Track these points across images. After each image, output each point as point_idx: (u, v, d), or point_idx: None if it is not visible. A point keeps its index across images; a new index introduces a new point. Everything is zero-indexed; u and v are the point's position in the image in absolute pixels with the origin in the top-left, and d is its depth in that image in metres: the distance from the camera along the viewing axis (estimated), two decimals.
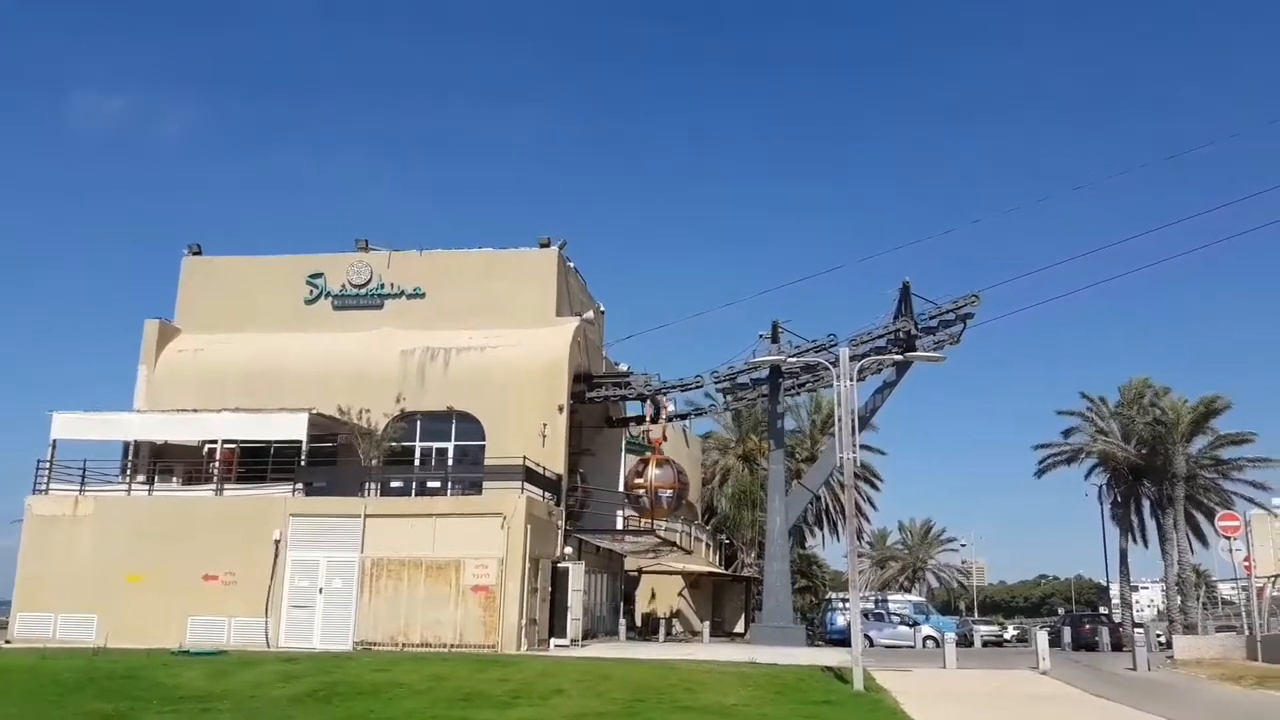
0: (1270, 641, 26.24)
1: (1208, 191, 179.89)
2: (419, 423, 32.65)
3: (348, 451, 30.63)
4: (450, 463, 32.15)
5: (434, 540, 27.06)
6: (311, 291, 35.45)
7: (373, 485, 29.49)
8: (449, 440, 32.71)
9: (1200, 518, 49.08)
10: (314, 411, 30.06)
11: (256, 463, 30.26)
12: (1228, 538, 30.17)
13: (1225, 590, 40.68)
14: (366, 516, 27.62)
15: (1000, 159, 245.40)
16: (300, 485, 29.32)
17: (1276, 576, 37.56)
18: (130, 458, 32.40)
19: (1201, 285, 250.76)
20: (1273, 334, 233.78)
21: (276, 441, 30.27)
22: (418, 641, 26.21)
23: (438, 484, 30.52)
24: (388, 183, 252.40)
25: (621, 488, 36.86)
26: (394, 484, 30.11)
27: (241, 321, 34.93)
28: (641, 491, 33.80)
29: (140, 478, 31.89)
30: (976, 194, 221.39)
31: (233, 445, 30.95)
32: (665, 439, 36.04)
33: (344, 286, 35.30)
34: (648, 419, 36.42)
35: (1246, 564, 29.75)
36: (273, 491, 29.03)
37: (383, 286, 35.17)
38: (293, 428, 29.85)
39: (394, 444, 30.95)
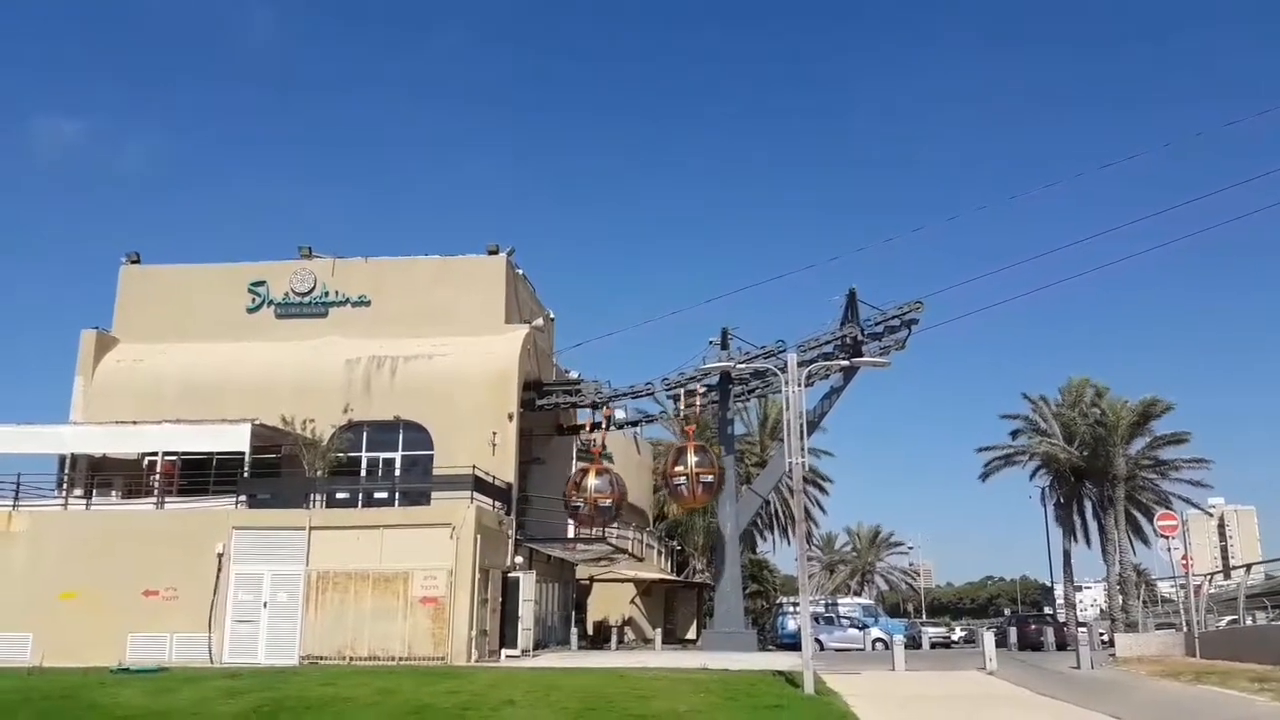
0: (1207, 638, 26.80)
1: (1136, 202, 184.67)
2: (365, 433, 32.27)
3: (292, 463, 30.14)
4: (398, 473, 31.81)
5: (381, 552, 26.65)
6: (254, 300, 34.92)
7: (318, 497, 29.03)
8: (396, 450, 32.36)
9: (1140, 517, 50.23)
10: (257, 422, 29.54)
11: (198, 475, 29.64)
12: (1166, 537, 30.77)
13: (1165, 588, 41.56)
14: (312, 529, 27.13)
15: (945, 166, 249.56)
16: (243, 498, 28.79)
17: (1213, 574, 38.51)
18: (67, 471, 31.61)
19: (1140, 287, 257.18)
20: (1207, 333, 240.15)
21: (219, 453, 29.69)
22: (365, 655, 25.78)
23: (385, 495, 30.17)
24: (332, 191, 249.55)
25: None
26: (340, 495, 29.70)
27: (182, 331, 34.26)
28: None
29: (77, 492, 31.08)
30: (920, 200, 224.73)
31: (174, 457, 30.33)
32: (604, 448, 35.75)
33: (287, 295, 34.80)
34: (589, 427, 36.24)
35: (1184, 562, 30.39)
36: (215, 504, 28.44)
37: (327, 294, 34.73)
38: (235, 439, 29.28)
39: (340, 455, 30.51)
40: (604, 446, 35.81)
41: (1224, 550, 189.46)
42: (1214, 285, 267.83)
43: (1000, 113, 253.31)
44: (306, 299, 34.73)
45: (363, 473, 31.90)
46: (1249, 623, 27.53)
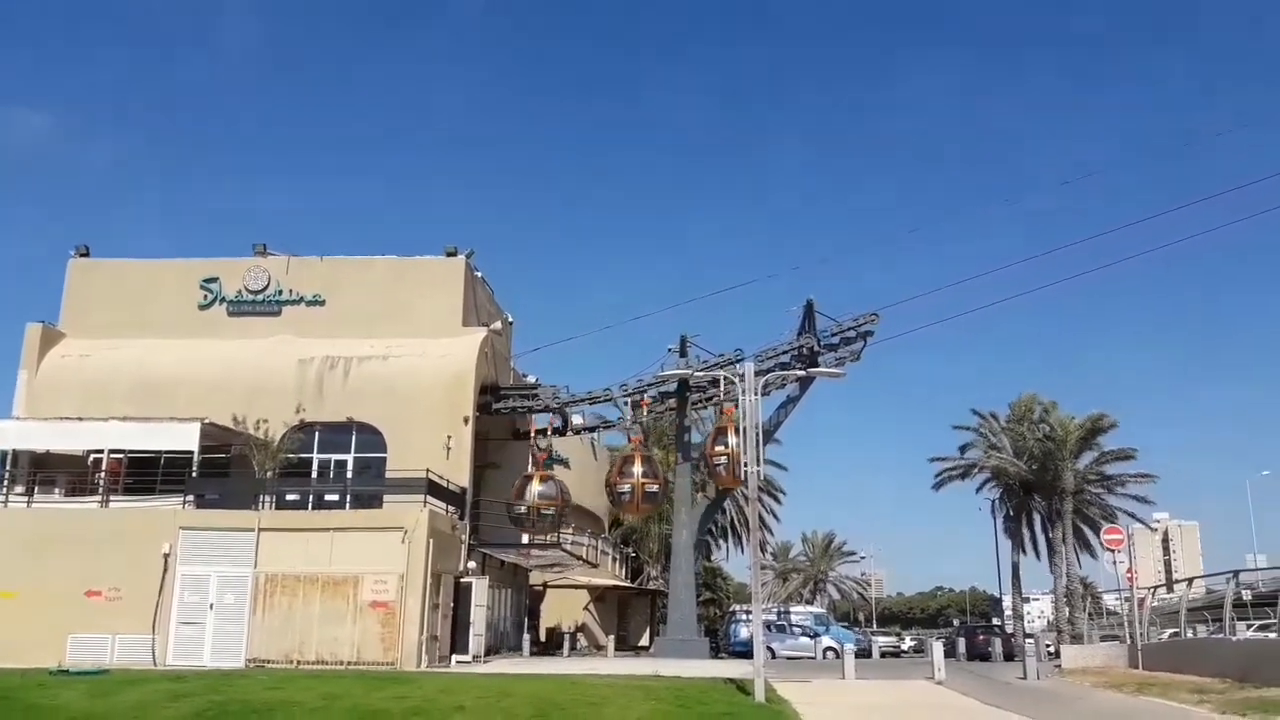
0: (1150, 650, 27.33)
1: (1096, 219, 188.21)
2: (317, 434, 31.86)
3: (242, 463, 29.69)
4: (350, 475, 31.44)
5: (331, 555, 26.32)
6: (206, 297, 34.41)
7: (268, 498, 28.61)
8: (349, 452, 32.01)
9: (1087, 531, 51.04)
10: (206, 421, 29.07)
11: (145, 474, 29.08)
12: (1112, 550, 31.39)
13: (1110, 601, 42.36)
14: (261, 530, 26.74)
15: (906, 179, 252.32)
16: (191, 497, 28.32)
17: (1157, 588, 39.23)
18: (8, 468, 30.83)
19: (1084, 306, 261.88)
20: (1149, 350, 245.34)
21: (166, 452, 29.16)
22: (313, 659, 25.43)
23: (336, 497, 29.78)
24: (287, 189, 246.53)
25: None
26: (290, 497, 29.26)
27: (131, 327, 33.60)
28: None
29: (19, 489, 30.38)
30: (878, 215, 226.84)
31: (120, 455, 29.72)
32: (549, 455, 35.23)
33: (240, 292, 34.33)
34: (550, 430, 35.87)
35: (1129, 576, 30.95)
36: (162, 504, 27.91)
37: (281, 293, 34.30)
38: (184, 438, 28.79)
39: (290, 455, 30.08)
40: (549, 453, 35.24)
41: (1168, 564, 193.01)
42: (1168, 304, 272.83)
43: (989, 116, 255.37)
44: (260, 297, 34.28)
45: (314, 474, 31.48)
46: (1190, 636, 28.09)
